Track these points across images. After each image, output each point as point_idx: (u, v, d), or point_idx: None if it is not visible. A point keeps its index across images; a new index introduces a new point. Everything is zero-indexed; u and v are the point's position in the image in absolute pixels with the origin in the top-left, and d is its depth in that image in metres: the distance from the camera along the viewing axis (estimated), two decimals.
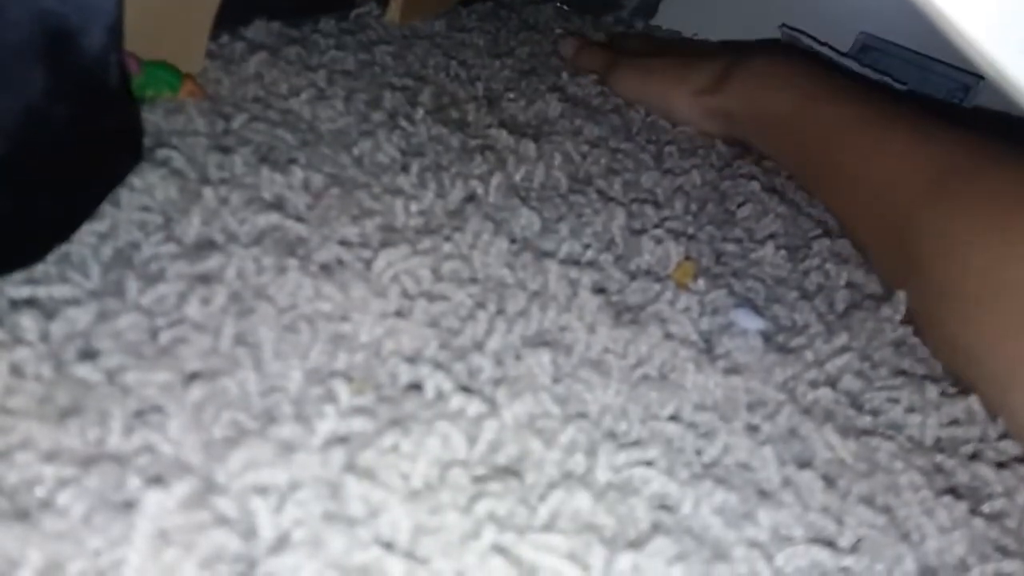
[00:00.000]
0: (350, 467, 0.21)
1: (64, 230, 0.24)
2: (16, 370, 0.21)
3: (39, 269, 0.24)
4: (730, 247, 0.37)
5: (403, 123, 0.38)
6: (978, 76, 0.55)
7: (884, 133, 0.37)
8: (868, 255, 0.37)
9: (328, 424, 0.22)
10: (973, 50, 0.18)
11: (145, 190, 0.29)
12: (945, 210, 0.32)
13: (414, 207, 0.32)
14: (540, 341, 0.27)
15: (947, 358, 0.32)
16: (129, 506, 0.18)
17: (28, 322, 0.22)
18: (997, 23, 0.18)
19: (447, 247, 0.30)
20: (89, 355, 0.22)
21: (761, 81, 0.44)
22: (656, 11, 0.65)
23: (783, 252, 0.37)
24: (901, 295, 0.34)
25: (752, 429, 0.27)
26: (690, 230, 0.37)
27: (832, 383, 0.29)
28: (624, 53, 0.51)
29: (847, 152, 0.38)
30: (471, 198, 0.34)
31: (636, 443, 0.25)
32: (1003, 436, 0.29)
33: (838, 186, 0.39)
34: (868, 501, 0.25)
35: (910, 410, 0.29)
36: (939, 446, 0.28)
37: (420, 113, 0.38)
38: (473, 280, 0.29)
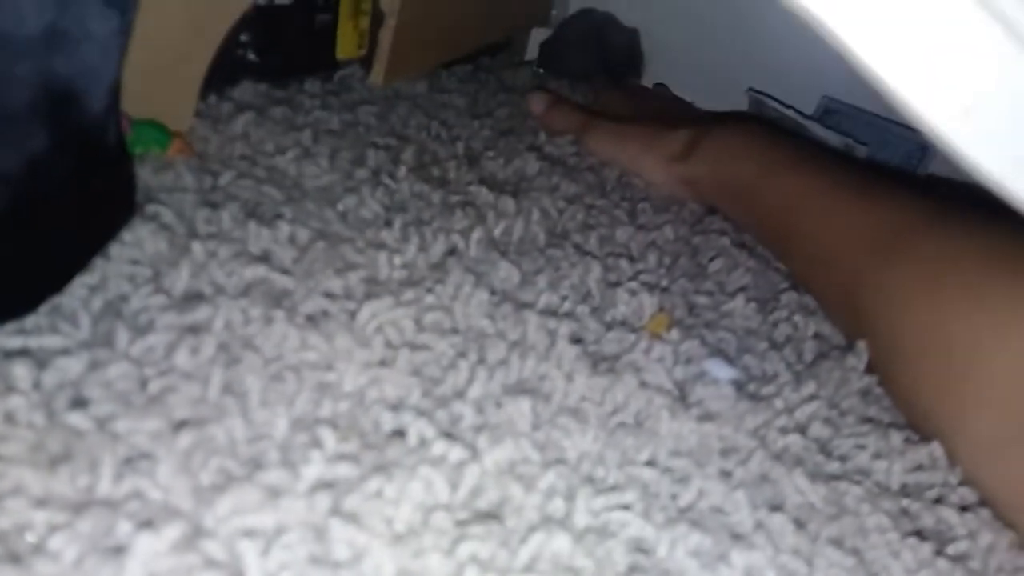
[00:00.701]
0: (335, 512, 0.21)
1: (58, 282, 0.25)
2: (9, 418, 0.21)
3: (30, 320, 0.25)
4: (702, 299, 0.38)
5: (386, 180, 0.39)
6: None
7: (834, 201, 0.39)
8: (826, 313, 0.39)
9: (314, 470, 0.22)
10: (914, 114, 0.19)
11: (135, 244, 0.29)
12: (886, 272, 0.34)
13: (397, 260, 0.33)
14: (520, 389, 0.28)
15: (902, 409, 0.33)
16: (120, 551, 0.19)
17: (21, 371, 0.23)
18: (936, 87, 0.19)
19: (429, 299, 0.31)
20: (80, 403, 0.22)
21: (725, 151, 0.46)
22: (639, 76, 0.67)
23: (753, 304, 0.38)
24: (862, 345, 0.35)
25: (725, 474, 0.27)
26: (663, 283, 0.38)
27: (801, 430, 0.30)
28: (597, 115, 0.53)
29: (801, 219, 0.40)
30: (452, 252, 0.35)
31: (613, 488, 0.25)
32: (964, 481, 0.30)
33: (795, 250, 0.41)
34: (837, 543, 0.26)
35: (876, 456, 0.30)
36: (904, 491, 0.29)
37: (403, 171, 0.40)
38: (455, 330, 0.30)
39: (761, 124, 0.51)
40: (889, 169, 0.58)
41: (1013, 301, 0.30)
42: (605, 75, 0.65)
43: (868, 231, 0.36)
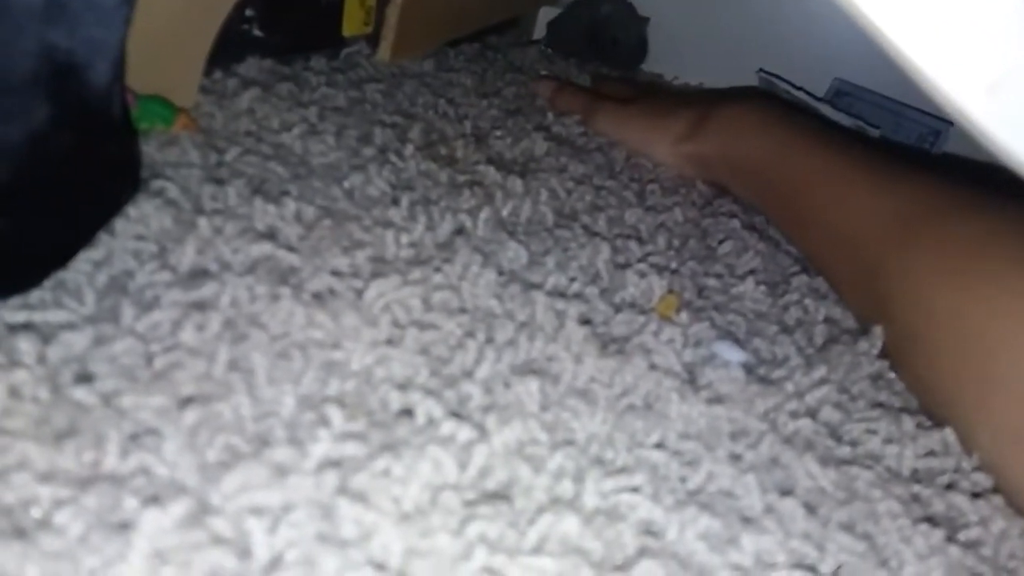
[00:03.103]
0: (343, 490, 0.21)
1: (62, 257, 0.25)
2: (14, 392, 0.21)
3: (35, 295, 0.25)
4: (712, 282, 0.38)
5: (393, 158, 0.38)
6: (948, 121, 0.57)
7: (851, 181, 0.38)
8: (841, 296, 0.39)
9: (321, 448, 0.22)
10: (937, 92, 0.19)
11: (140, 219, 0.29)
12: (908, 257, 0.34)
13: (404, 239, 0.32)
14: (528, 370, 0.28)
15: (918, 395, 0.33)
16: (125, 526, 0.18)
17: (26, 345, 0.22)
18: (960, 65, 0.19)
19: (437, 278, 0.31)
20: (85, 378, 0.22)
21: (735, 128, 0.45)
22: (645, 58, 0.67)
23: (763, 288, 0.38)
24: (877, 330, 0.35)
25: (735, 458, 0.27)
26: (673, 265, 0.38)
27: (812, 414, 0.30)
28: (603, 96, 0.53)
29: (816, 199, 0.40)
30: (460, 231, 0.35)
31: (622, 470, 0.25)
32: (977, 468, 0.30)
33: (809, 231, 0.40)
34: (848, 528, 0.25)
35: (887, 441, 0.30)
36: (916, 476, 0.29)
37: (410, 149, 0.39)
38: (462, 310, 0.30)
39: (768, 99, 0.50)
40: (905, 149, 0.57)
41: None
42: (613, 54, 0.64)
43: (891, 213, 0.35)
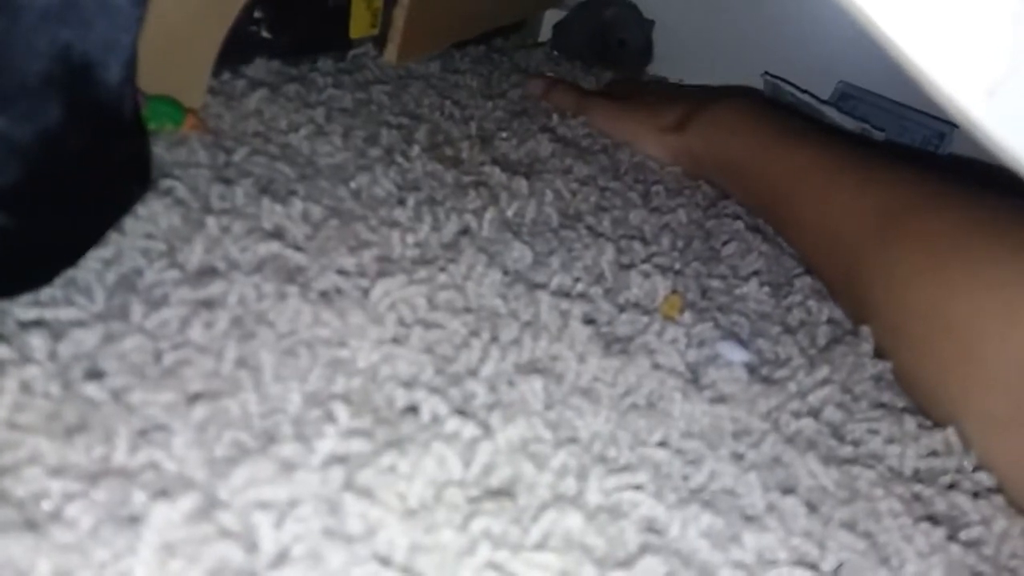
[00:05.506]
0: (349, 486, 0.21)
1: (73, 255, 0.25)
2: (26, 387, 0.21)
3: (45, 292, 0.25)
4: (715, 283, 0.38)
5: (399, 159, 0.39)
6: (952, 124, 0.57)
7: (833, 178, 0.39)
8: (831, 294, 0.39)
9: (327, 444, 0.22)
10: (940, 94, 0.19)
11: (149, 218, 0.29)
12: (886, 254, 0.34)
13: (410, 239, 0.33)
14: (532, 369, 0.28)
15: (906, 390, 0.33)
16: (135, 520, 0.19)
17: (37, 342, 0.23)
18: (961, 67, 0.19)
19: (442, 278, 0.31)
20: (95, 375, 0.23)
21: (721, 125, 0.46)
22: (650, 60, 0.67)
23: (766, 289, 0.38)
24: (866, 330, 0.35)
25: (737, 456, 0.27)
26: (677, 266, 0.38)
27: (814, 414, 0.30)
28: (596, 93, 0.53)
29: (799, 197, 0.40)
30: (465, 231, 0.35)
31: (625, 468, 0.25)
32: (978, 467, 0.30)
33: (795, 229, 0.41)
34: (849, 526, 0.26)
35: (889, 441, 0.30)
36: (917, 476, 0.29)
37: (416, 150, 0.40)
38: (467, 309, 0.30)
39: (758, 99, 0.50)
40: (888, 146, 0.58)
41: (1019, 279, 0.29)
42: (618, 57, 0.64)
43: (869, 210, 0.36)
